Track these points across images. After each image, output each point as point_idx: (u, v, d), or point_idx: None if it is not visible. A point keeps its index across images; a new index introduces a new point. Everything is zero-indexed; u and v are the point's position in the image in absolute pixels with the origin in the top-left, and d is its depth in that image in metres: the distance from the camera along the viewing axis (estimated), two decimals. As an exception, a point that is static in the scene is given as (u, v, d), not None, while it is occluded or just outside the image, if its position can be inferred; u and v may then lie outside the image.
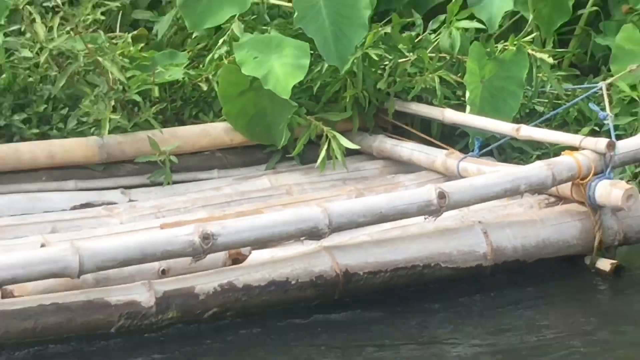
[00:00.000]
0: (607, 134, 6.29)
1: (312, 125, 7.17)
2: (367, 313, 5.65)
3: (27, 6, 7.02)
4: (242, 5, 6.97)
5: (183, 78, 7.25)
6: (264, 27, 7.26)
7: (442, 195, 5.71)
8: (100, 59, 6.96)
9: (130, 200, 6.77)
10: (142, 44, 7.30)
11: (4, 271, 4.95)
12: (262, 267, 5.48)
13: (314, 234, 5.54)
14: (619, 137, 6.34)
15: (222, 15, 7.05)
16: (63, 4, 7.07)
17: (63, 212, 6.56)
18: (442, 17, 7.54)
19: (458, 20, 7.43)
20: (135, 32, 7.37)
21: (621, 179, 6.60)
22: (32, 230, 6.18)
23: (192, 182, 7.08)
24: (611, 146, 6.08)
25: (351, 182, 7.09)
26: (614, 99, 7.60)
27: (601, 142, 6.11)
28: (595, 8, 8.22)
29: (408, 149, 7.23)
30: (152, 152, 6.96)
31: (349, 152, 7.17)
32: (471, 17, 7.53)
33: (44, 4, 7.13)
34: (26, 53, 6.98)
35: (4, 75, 6.86)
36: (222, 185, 7.02)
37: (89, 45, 6.99)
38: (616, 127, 6.90)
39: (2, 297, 5.14)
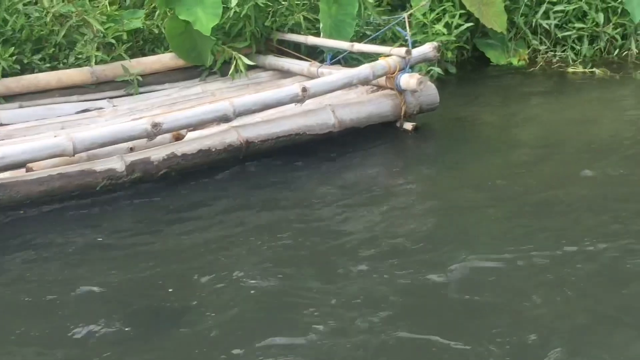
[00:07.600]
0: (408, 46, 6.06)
1: (226, 51, 6.85)
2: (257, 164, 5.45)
3: (36, -15, 6.58)
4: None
5: (142, 26, 6.83)
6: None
7: (304, 89, 5.50)
8: (85, 16, 6.54)
9: (114, 106, 6.42)
10: (115, 6, 6.87)
11: (26, 154, 4.71)
12: (193, 141, 5.24)
13: (224, 119, 5.31)
14: (415, 47, 6.12)
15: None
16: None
17: (69, 115, 6.18)
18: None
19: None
20: (110, -1, 6.92)
21: (419, 72, 6.47)
22: (48, 129, 5.82)
23: (152, 92, 6.70)
24: (408, 52, 5.90)
25: (253, 85, 6.79)
26: (413, 24, 7.40)
27: (402, 50, 5.93)
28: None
29: (287, 63, 6.92)
30: (125, 74, 6.61)
31: (250, 67, 6.87)
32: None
33: (47, -16, 6.66)
34: (37, 15, 6.53)
35: (24, 31, 6.39)
36: (171, 93, 6.69)
37: (78, 9, 6.57)
38: (415, 42, 6.71)
39: (26, 171, 4.85)
